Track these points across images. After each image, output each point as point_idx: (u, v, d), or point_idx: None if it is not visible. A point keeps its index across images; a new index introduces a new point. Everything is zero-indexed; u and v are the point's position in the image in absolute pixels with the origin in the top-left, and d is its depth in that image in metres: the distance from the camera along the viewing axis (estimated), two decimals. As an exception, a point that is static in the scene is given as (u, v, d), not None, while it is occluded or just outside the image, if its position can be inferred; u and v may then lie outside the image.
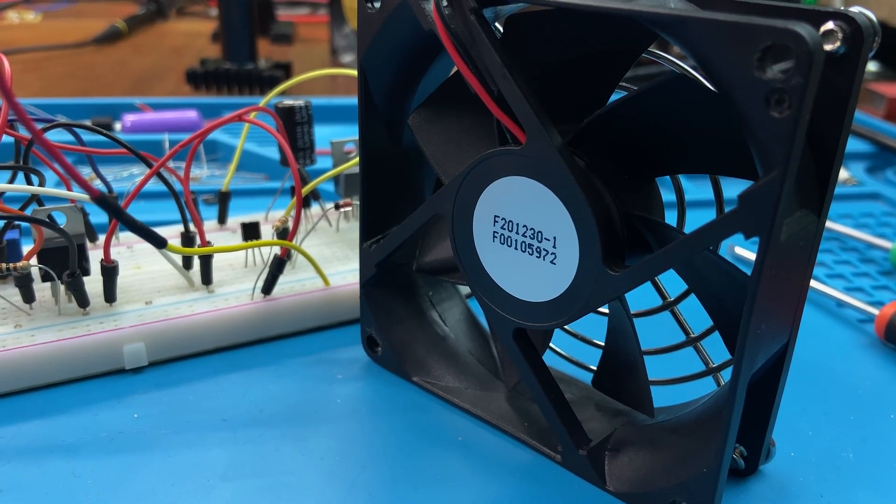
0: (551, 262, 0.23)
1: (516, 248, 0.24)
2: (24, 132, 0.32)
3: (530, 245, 0.24)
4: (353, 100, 0.65)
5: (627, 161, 0.23)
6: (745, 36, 0.17)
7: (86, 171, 0.51)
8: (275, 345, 0.33)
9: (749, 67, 0.17)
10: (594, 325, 0.28)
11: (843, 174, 0.56)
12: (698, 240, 0.20)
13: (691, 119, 0.21)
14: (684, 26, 0.18)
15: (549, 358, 0.27)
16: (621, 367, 0.26)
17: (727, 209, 0.19)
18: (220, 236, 0.38)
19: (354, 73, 0.33)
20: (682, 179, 0.26)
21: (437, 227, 0.29)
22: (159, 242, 0.24)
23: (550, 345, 0.29)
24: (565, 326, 0.28)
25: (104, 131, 0.32)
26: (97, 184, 0.40)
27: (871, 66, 0.91)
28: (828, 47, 0.19)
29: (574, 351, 0.29)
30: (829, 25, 0.19)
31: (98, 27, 1.00)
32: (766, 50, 0.17)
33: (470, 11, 0.22)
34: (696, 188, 0.50)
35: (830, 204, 0.22)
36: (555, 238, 0.23)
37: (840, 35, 0.19)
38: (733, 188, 0.20)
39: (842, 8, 0.19)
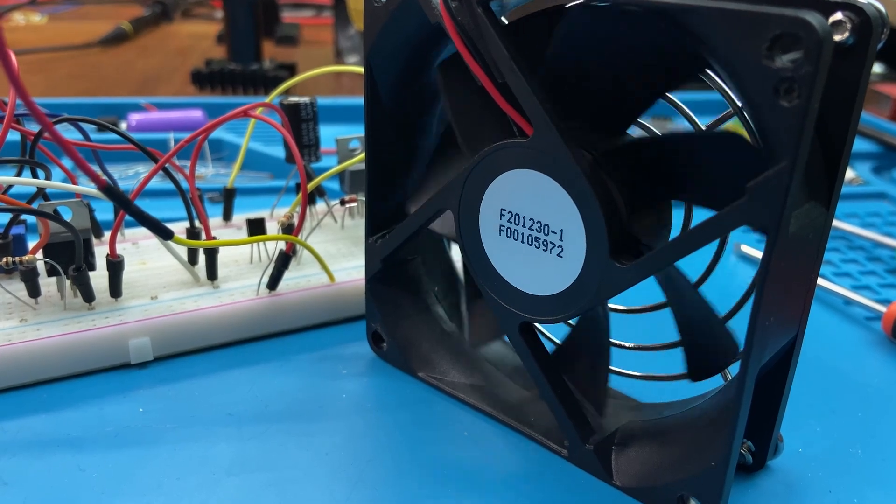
0: (558, 255, 0.23)
1: (523, 242, 0.24)
2: (29, 128, 0.32)
3: (537, 238, 0.24)
4: (358, 100, 0.66)
5: (601, 111, 0.23)
6: (755, 25, 0.17)
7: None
8: (280, 340, 0.33)
9: (758, 56, 0.17)
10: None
11: (850, 174, 0.56)
12: (706, 231, 0.20)
13: (717, 170, 0.21)
14: (692, 15, 0.18)
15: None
16: (705, 342, 0.24)
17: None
18: (226, 233, 0.38)
19: (359, 70, 0.33)
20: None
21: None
22: (166, 234, 0.24)
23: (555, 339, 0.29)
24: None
25: (110, 126, 0.32)
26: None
27: (877, 68, 0.91)
28: (836, 38, 0.19)
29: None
30: (838, 16, 0.19)
31: (103, 29, 1.01)
32: (776, 39, 0.17)
33: (476, 4, 0.22)
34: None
35: (839, 198, 0.21)
36: (561, 231, 0.23)
37: (849, 25, 0.19)
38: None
39: (851, -1, 0.19)
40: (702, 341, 0.24)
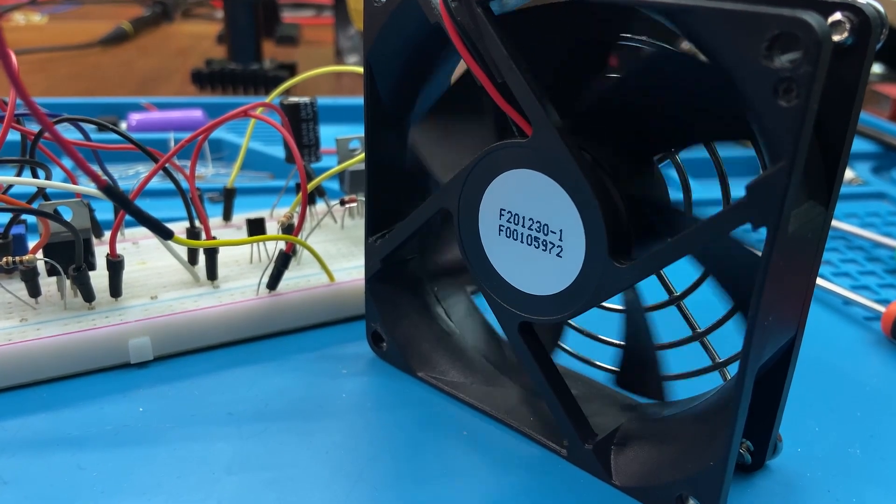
0: (557, 255, 0.23)
1: (522, 242, 0.24)
2: (30, 128, 0.32)
3: (536, 238, 0.24)
4: (358, 100, 0.66)
5: (629, 146, 0.23)
6: (753, 25, 0.17)
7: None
8: (280, 340, 0.33)
9: (757, 56, 0.17)
10: (602, 322, 0.27)
11: (849, 174, 0.56)
12: (705, 231, 0.20)
13: (681, 90, 0.21)
14: (690, 15, 0.18)
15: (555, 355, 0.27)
16: (641, 362, 0.26)
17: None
18: (226, 233, 0.38)
19: (359, 70, 0.33)
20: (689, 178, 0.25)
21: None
22: (166, 234, 0.24)
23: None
24: (575, 323, 0.28)
25: (110, 126, 0.32)
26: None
27: (876, 68, 0.91)
28: (835, 38, 0.19)
29: (580, 348, 0.29)
30: (837, 16, 0.19)
31: (104, 29, 1.01)
32: (774, 39, 0.17)
33: (476, 4, 0.22)
34: (703, 187, 0.49)
35: (838, 198, 0.21)
36: (561, 231, 0.23)
37: (847, 26, 0.19)
38: (740, 188, 0.20)
39: (849, -1, 0.19)
40: (636, 360, 0.25)
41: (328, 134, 0.41)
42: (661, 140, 0.23)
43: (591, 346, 0.28)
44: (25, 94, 0.18)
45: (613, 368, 0.27)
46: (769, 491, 0.25)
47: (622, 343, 0.27)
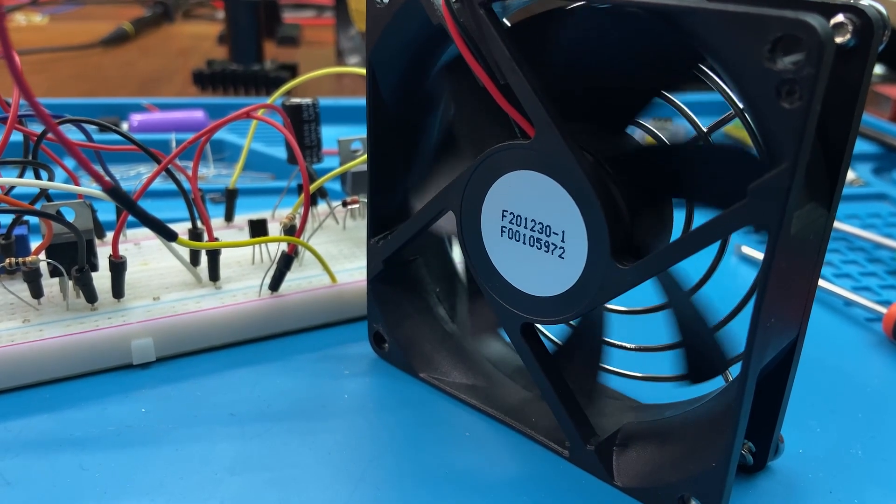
0: (559, 256, 0.23)
1: (524, 243, 0.24)
2: (32, 129, 0.32)
3: (538, 239, 0.24)
4: (359, 100, 0.66)
5: (599, 111, 0.23)
6: (756, 27, 0.17)
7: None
8: (282, 341, 0.33)
9: (760, 58, 0.17)
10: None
11: (850, 175, 0.56)
12: (708, 232, 0.20)
13: (633, 44, 0.21)
14: (693, 17, 0.18)
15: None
16: (704, 350, 0.25)
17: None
18: (228, 234, 0.38)
19: (361, 71, 0.33)
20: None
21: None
22: (170, 235, 0.24)
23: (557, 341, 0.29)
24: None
25: (113, 126, 0.32)
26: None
27: (877, 69, 0.91)
28: (838, 40, 0.19)
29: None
30: (839, 18, 0.19)
31: (105, 29, 1.01)
32: (777, 41, 0.17)
33: (479, 5, 0.22)
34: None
35: (840, 199, 0.22)
36: (563, 232, 0.23)
37: (850, 28, 0.19)
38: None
39: (852, 1, 0.19)
40: (695, 346, 0.24)
41: (329, 135, 0.41)
42: (625, 102, 0.23)
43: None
44: (31, 96, 0.18)
45: (617, 370, 0.27)
46: (771, 492, 0.25)
47: (630, 346, 0.26)
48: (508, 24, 0.24)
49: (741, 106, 0.22)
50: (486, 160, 0.24)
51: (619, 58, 0.22)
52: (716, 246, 0.23)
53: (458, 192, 0.26)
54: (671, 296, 0.23)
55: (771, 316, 0.20)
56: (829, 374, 0.32)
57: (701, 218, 0.21)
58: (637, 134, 0.24)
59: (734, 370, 0.23)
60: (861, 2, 0.19)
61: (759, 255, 0.41)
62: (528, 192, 0.23)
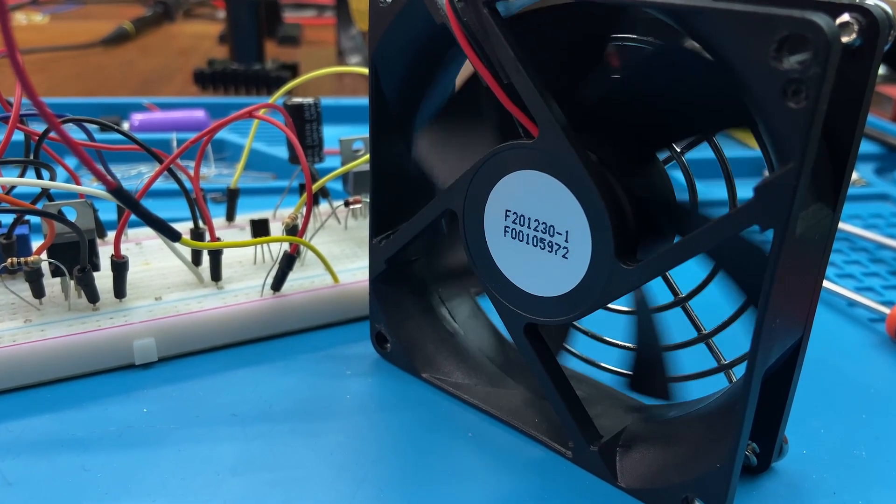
0: (563, 256, 0.23)
1: (528, 243, 0.24)
2: (34, 128, 0.32)
3: (542, 239, 0.24)
4: (360, 100, 0.66)
5: (632, 144, 0.23)
6: (762, 26, 0.17)
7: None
8: (284, 341, 0.33)
9: (766, 58, 0.17)
10: (608, 324, 0.27)
11: (853, 175, 0.56)
12: (712, 233, 0.20)
13: (683, 85, 0.21)
14: (699, 16, 0.18)
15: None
16: (650, 364, 0.25)
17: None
18: (229, 233, 0.38)
19: (362, 70, 0.33)
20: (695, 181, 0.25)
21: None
22: (174, 235, 0.24)
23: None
24: (580, 325, 0.28)
25: (115, 126, 0.32)
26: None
27: (879, 70, 0.91)
28: (844, 39, 0.19)
29: (585, 349, 0.29)
30: (845, 17, 0.19)
31: (105, 29, 1.01)
32: (784, 40, 0.17)
33: (482, 5, 0.22)
34: (707, 188, 0.49)
35: (846, 197, 0.21)
36: (567, 232, 0.23)
37: (856, 27, 0.19)
38: (746, 189, 0.20)
39: (857, 0, 0.19)
40: (644, 363, 0.25)
41: (330, 134, 0.41)
42: (663, 135, 0.23)
43: (596, 348, 0.28)
44: (35, 95, 0.18)
45: (620, 370, 0.27)
46: (775, 493, 0.25)
47: (630, 345, 0.26)
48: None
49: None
50: (490, 160, 0.24)
51: (674, 95, 0.22)
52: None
53: (462, 192, 0.25)
54: (639, 307, 0.24)
55: (776, 316, 0.20)
56: (832, 375, 0.32)
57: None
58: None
59: (738, 370, 0.23)
60: (867, 1, 0.19)
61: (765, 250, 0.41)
62: (532, 191, 0.23)
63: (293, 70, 0.80)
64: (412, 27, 0.26)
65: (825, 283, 0.37)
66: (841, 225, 0.46)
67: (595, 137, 0.23)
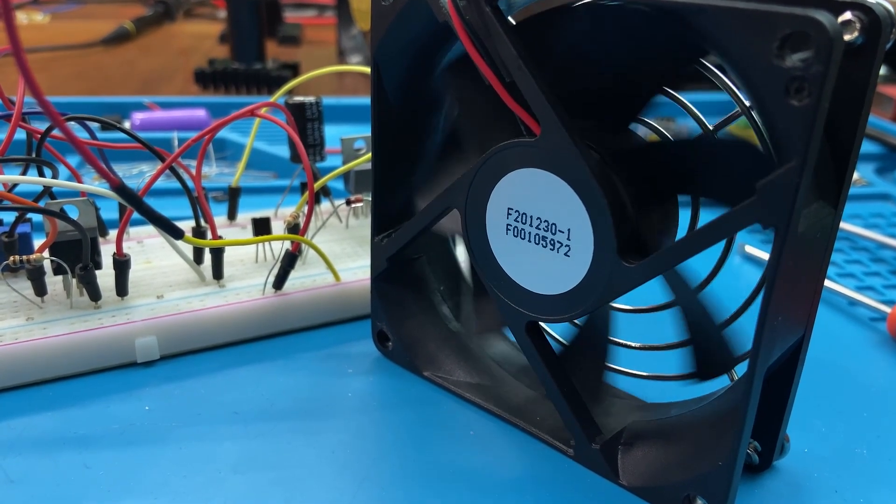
0: (565, 254, 0.23)
1: (530, 241, 0.24)
2: (34, 127, 0.32)
3: (544, 237, 0.24)
4: (361, 99, 0.66)
5: (602, 108, 0.23)
6: (765, 24, 0.17)
7: (93, 171, 0.51)
8: (285, 339, 0.33)
9: (768, 55, 0.17)
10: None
11: (853, 175, 0.56)
12: (715, 230, 0.20)
13: (725, 173, 0.21)
14: (701, 14, 0.18)
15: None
16: (712, 347, 0.24)
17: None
18: (230, 232, 0.38)
19: (363, 69, 0.33)
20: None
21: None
22: (177, 233, 0.24)
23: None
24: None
25: (117, 124, 0.32)
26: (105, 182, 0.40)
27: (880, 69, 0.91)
28: (846, 38, 0.19)
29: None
30: (847, 15, 0.19)
31: (106, 28, 1.01)
32: (786, 38, 0.17)
33: (485, 3, 0.22)
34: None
35: (847, 198, 0.21)
36: (569, 230, 0.23)
37: (858, 25, 0.19)
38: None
39: (859, -1, 0.19)
40: (703, 344, 0.24)
41: (331, 134, 0.41)
42: (627, 99, 0.23)
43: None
44: (40, 94, 0.18)
45: (621, 369, 0.27)
46: (776, 491, 0.25)
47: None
48: (514, 22, 0.24)
49: (748, 104, 0.22)
50: (492, 158, 0.24)
51: (619, 53, 0.22)
52: (721, 244, 0.23)
53: (463, 190, 0.25)
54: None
55: (778, 314, 0.20)
56: (833, 374, 0.32)
57: (706, 216, 0.21)
58: (641, 132, 0.24)
59: (740, 369, 0.23)
60: (869, 0, 0.19)
61: (763, 255, 0.41)
62: (534, 189, 0.23)
63: (294, 70, 0.80)
64: (414, 26, 0.26)
65: (826, 283, 0.37)
66: (842, 224, 0.45)
67: (570, 107, 0.22)
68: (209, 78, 0.77)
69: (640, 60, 0.22)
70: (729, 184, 0.21)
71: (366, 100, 0.27)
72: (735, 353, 0.23)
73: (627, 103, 0.23)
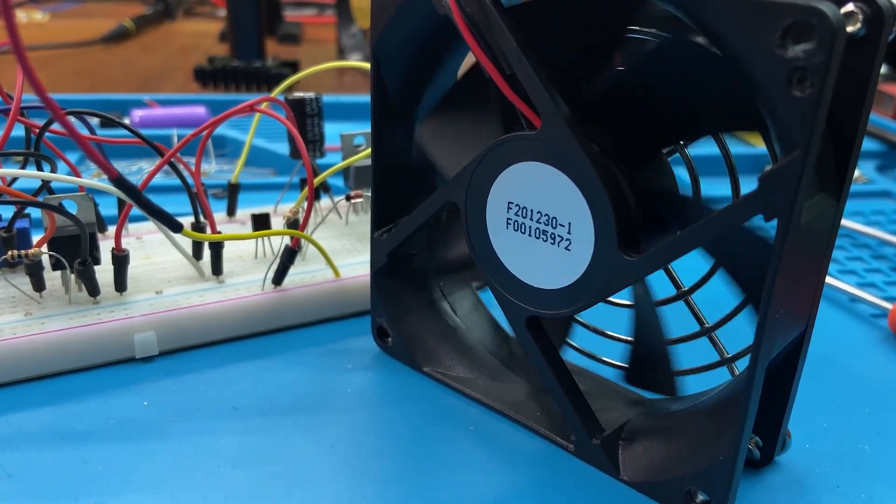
0: (566, 248, 0.23)
1: (530, 235, 0.24)
2: (33, 122, 0.32)
3: (544, 231, 0.24)
4: (360, 97, 0.65)
5: (638, 138, 0.23)
6: (768, 13, 0.17)
7: (94, 166, 0.51)
8: (285, 335, 0.33)
9: (771, 46, 0.17)
10: (609, 318, 0.27)
11: (854, 172, 0.56)
12: (716, 223, 0.20)
13: (691, 80, 0.21)
14: (704, 4, 0.18)
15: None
16: (651, 358, 0.26)
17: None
18: (230, 228, 0.38)
19: (363, 65, 0.33)
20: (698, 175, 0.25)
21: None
22: (175, 226, 0.24)
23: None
24: (582, 319, 0.28)
25: (117, 120, 0.32)
26: (105, 177, 0.40)
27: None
28: (848, 29, 0.19)
29: (587, 344, 0.29)
30: (850, 6, 0.19)
31: (106, 27, 1.01)
32: (789, 28, 0.17)
33: (485, -5, 0.22)
34: (710, 186, 0.49)
35: (849, 191, 0.21)
36: (569, 224, 0.23)
37: (860, 16, 0.19)
38: (750, 185, 0.20)
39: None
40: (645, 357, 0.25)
41: (331, 132, 0.41)
42: (671, 131, 0.23)
43: (598, 342, 0.28)
44: (40, 86, 0.18)
45: (622, 364, 0.27)
46: (778, 486, 0.25)
47: (631, 339, 0.26)
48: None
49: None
50: (492, 151, 0.24)
51: (682, 88, 0.22)
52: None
53: (464, 184, 0.25)
54: (639, 301, 0.24)
55: (780, 308, 0.20)
56: (835, 370, 0.31)
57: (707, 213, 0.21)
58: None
59: (741, 364, 0.23)
60: (872, -10, 0.19)
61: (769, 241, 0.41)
62: (535, 183, 0.23)
63: (294, 67, 0.80)
64: (414, 19, 0.25)
65: (828, 279, 0.37)
66: (843, 221, 0.45)
67: (599, 130, 0.23)
68: (209, 76, 0.77)
69: (699, 100, 0.22)
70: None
71: (365, 98, 0.27)
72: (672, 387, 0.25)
73: (670, 135, 0.23)
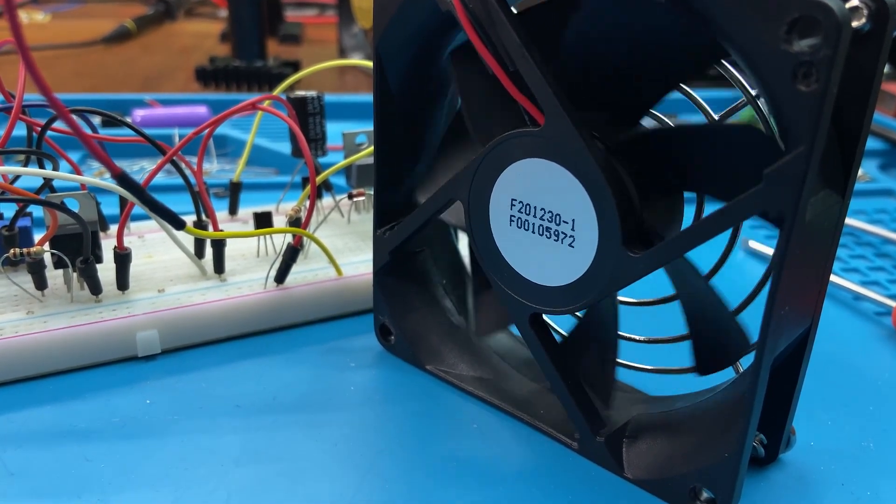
0: (569, 245, 0.23)
1: (534, 232, 0.24)
2: (35, 120, 0.32)
3: (548, 228, 0.24)
4: (362, 97, 0.65)
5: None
6: (773, 8, 0.17)
7: (95, 165, 0.51)
8: (287, 333, 0.33)
9: (776, 40, 0.17)
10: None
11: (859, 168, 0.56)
12: (721, 219, 0.20)
13: (730, 161, 0.21)
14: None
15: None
16: (724, 336, 0.24)
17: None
18: (232, 227, 0.38)
19: (366, 63, 0.33)
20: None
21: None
22: (178, 224, 0.24)
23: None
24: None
25: (120, 118, 0.32)
26: (107, 176, 0.40)
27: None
28: (853, 24, 0.19)
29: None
30: (855, 2, 0.19)
31: (107, 27, 1.01)
32: (794, 22, 0.17)
33: (489, -9, 0.22)
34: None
35: (854, 187, 0.21)
36: (573, 221, 0.23)
37: (865, 12, 0.19)
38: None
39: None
40: (711, 335, 0.24)
41: (333, 131, 0.41)
42: (640, 93, 0.22)
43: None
44: (44, 85, 0.18)
45: (626, 363, 0.27)
46: (782, 484, 0.25)
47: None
48: (516, 11, 0.24)
49: (754, 93, 0.22)
50: (495, 148, 0.24)
51: (635, 47, 0.22)
52: (725, 238, 0.23)
53: (467, 182, 0.25)
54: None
55: (785, 304, 0.20)
56: (839, 368, 0.31)
57: (711, 206, 0.21)
58: (649, 123, 0.24)
59: (745, 362, 0.23)
60: (877, -14, 0.19)
61: (767, 250, 0.41)
62: (538, 180, 0.23)
63: (295, 67, 0.80)
64: (417, 16, 0.25)
65: (831, 277, 0.37)
66: (846, 220, 0.45)
67: (579, 100, 0.22)
68: (210, 76, 0.77)
69: (654, 55, 0.21)
70: (734, 171, 0.21)
71: (367, 97, 0.27)
72: (749, 339, 0.23)
73: (640, 97, 0.23)
